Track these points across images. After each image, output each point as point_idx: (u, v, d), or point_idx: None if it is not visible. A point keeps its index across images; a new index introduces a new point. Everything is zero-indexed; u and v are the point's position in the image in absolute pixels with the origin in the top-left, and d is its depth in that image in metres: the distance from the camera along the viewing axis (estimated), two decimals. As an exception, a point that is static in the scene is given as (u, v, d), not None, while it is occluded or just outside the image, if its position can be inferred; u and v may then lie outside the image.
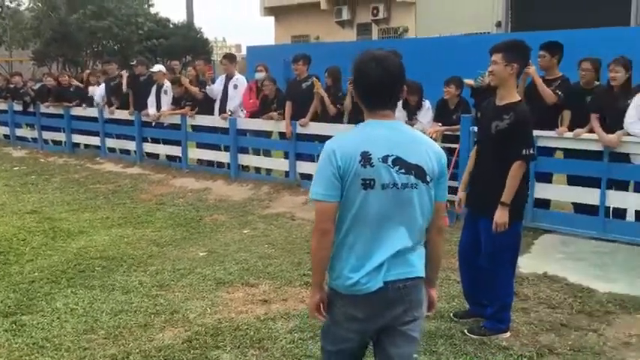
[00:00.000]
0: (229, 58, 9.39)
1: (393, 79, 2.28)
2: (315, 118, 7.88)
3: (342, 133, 2.39)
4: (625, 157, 5.61)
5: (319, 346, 3.66)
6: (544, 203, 6.21)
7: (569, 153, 6.06)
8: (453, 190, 6.79)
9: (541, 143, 5.80)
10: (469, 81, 6.60)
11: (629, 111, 5.38)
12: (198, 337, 3.88)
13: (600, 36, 11.59)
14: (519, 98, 3.77)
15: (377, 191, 2.21)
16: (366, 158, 2.20)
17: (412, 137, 2.31)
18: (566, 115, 5.97)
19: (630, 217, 5.80)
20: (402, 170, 2.23)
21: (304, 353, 3.67)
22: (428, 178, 2.27)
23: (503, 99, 3.73)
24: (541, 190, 6.00)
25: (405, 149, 2.24)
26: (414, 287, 2.30)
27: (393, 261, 2.25)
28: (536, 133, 5.93)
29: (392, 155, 2.22)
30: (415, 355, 2.43)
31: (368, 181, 2.20)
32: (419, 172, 2.25)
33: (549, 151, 6.07)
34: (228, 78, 8.92)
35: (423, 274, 2.34)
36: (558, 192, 6.20)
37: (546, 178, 6.10)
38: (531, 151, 3.65)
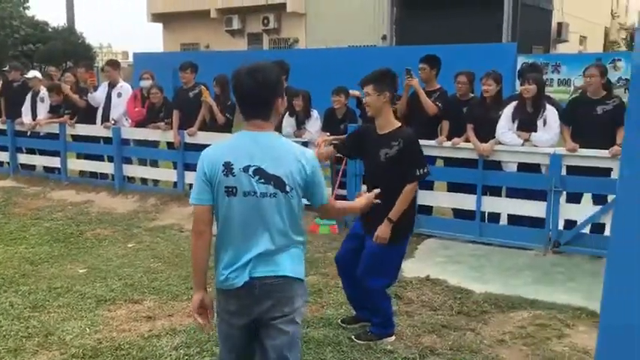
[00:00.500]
0: (112, 64, 9.00)
1: (264, 90, 2.43)
2: (204, 127, 7.74)
3: (216, 143, 2.54)
4: (497, 165, 6.00)
5: (206, 362, 3.60)
6: (427, 209, 6.48)
7: (448, 161, 6.38)
8: (343, 198, 6.92)
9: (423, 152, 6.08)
10: (355, 92, 6.78)
11: (500, 121, 5.75)
12: (76, 360, 3.65)
13: (475, 51, 12.37)
14: (400, 124, 3.85)
15: (239, 198, 2.43)
16: (228, 168, 2.42)
17: (277, 149, 2.47)
18: (445, 125, 6.29)
19: (503, 220, 6.20)
20: (262, 180, 2.42)
21: (190, 369, 3.57)
22: (287, 188, 2.44)
23: (384, 128, 3.77)
24: (423, 198, 6.25)
25: (267, 160, 2.43)
26: (279, 285, 2.47)
27: (258, 261, 2.45)
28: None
29: (253, 166, 2.42)
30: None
31: (230, 189, 2.42)
32: (278, 182, 2.43)
33: (431, 160, 6.34)
34: (112, 86, 8.53)
35: (290, 273, 2.49)
36: (439, 198, 6.50)
37: (428, 185, 6.37)
38: (425, 170, 3.74)
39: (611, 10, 29.01)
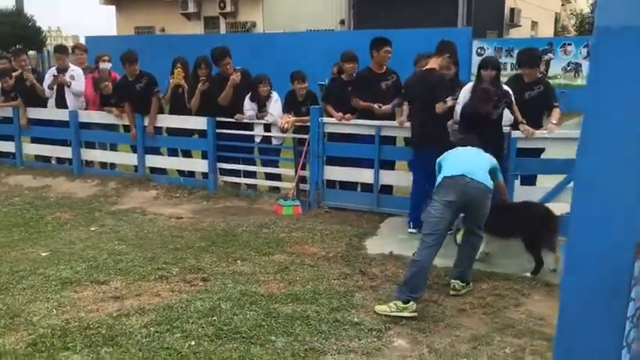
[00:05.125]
0: (62, 51, 8.64)
1: None
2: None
3: None
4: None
5: (176, 338, 3.66)
6: (388, 189, 6.67)
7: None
8: (303, 179, 6.97)
9: (384, 133, 6.28)
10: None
11: (458, 105, 5.90)
12: (44, 340, 3.64)
13: (432, 35, 12.53)
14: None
15: None
16: None
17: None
18: (405, 107, 6.41)
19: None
20: None
21: (161, 346, 3.59)
22: None
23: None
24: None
25: None
26: None
27: None
28: (379, 123, 6.36)
29: None
30: None
31: None
32: None
33: (391, 140, 6.53)
34: (61, 71, 8.26)
35: None
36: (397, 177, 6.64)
37: (390, 165, 6.54)
38: None
39: (562, -3, 29.78)
